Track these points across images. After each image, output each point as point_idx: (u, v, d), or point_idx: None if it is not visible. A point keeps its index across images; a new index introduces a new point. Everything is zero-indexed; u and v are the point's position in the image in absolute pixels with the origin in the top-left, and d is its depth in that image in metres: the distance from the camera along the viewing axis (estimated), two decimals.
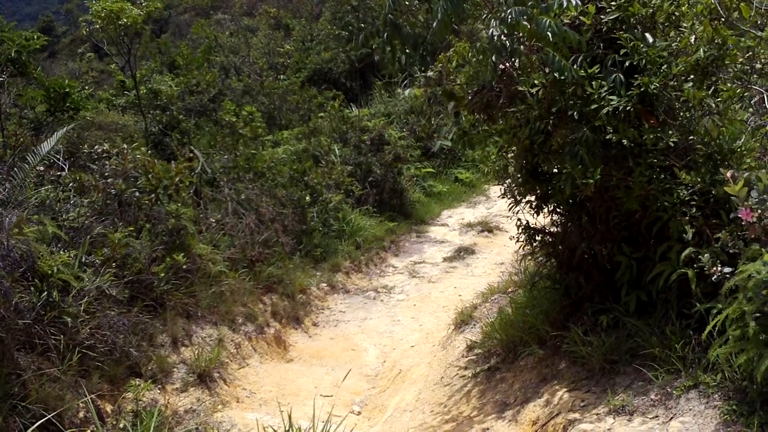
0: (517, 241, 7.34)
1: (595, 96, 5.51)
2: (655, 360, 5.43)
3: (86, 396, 6.06)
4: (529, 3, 5.20)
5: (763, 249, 4.45)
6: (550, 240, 7.14)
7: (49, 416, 5.63)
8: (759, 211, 4.46)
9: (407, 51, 5.97)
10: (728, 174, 4.78)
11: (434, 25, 5.52)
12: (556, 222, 7.12)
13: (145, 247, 8.08)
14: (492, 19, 5.33)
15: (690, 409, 4.87)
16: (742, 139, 5.78)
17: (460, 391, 7.37)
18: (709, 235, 5.34)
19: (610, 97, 5.49)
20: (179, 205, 9.08)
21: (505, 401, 6.66)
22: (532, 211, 7.10)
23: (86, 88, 17.87)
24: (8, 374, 5.79)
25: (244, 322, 9.28)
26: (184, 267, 8.42)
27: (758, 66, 5.79)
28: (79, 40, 41.32)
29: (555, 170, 6.56)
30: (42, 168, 8.47)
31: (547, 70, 5.78)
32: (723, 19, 5.63)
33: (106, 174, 8.75)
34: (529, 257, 7.45)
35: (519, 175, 6.98)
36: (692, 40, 5.55)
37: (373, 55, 21.88)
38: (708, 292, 5.18)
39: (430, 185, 17.97)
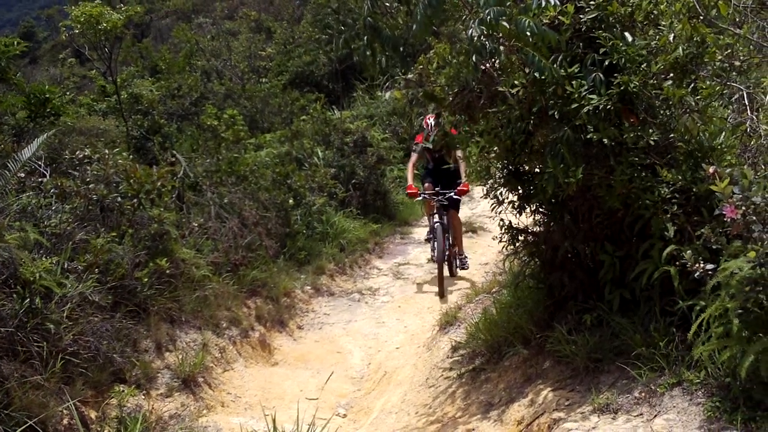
0: (501, 241, 7.34)
1: (576, 95, 5.52)
2: (639, 358, 5.44)
3: (70, 403, 6.04)
4: (508, 3, 5.20)
5: (746, 246, 4.47)
6: (533, 240, 7.15)
7: (32, 423, 5.61)
8: (743, 207, 4.48)
9: (387, 53, 5.97)
10: (711, 170, 4.80)
11: (414, 26, 5.52)
12: (539, 222, 7.13)
13: (128, 253, 8.04)
14: (471, 19, 5.33)
15: (674, 407, 4.88)
16: (722, 137, 5.80)
17: (445, 392, 7.37)
18: (691, 232, 5.37)
19: (590, 96, 5.50)
20: (162, 209, 9.05)
21: (490, 401, 6.67)
22: (515, 211, 7.11)
23: (67, 93, 17.79)
24: None
25: (228, 326, 9.26)
26: (168, 272, 8.39)
27: (737, 63, 5.80)
28: (61, 45, 41.18)
29: (537, 170, 6.58)
30: (23, 174, 8.44)
31: (527, 70, 5.79)
32: (701, 17, 5.66)
33: (88, 179, 8.71)
34: (513, 257, 7.46)
35: (501, 176, 7.00)
36: (671, 39, 5.57)
37: (354, 57, 21.85)
38: (690, 289, 5.20)
39: None
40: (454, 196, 11.59)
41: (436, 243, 11.46)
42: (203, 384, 7.89)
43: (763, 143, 5.75)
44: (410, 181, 12.06)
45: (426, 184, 12.25)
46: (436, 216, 11.72)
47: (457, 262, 12.27)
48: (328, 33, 23.94)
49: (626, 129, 5.55)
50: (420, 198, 12.16)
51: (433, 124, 10.95)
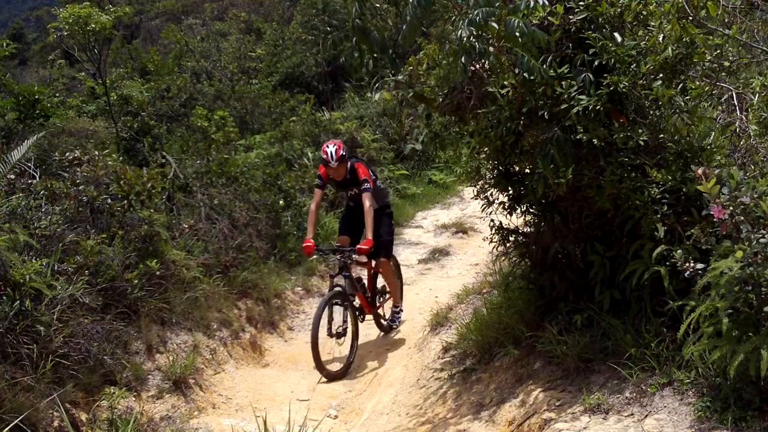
0: (491, 242, 7.34)
1: (565, 96, 5.53)
2: (630, 358, 5.46)
3: (60, 405, 6.03)
4: (497, 4, 5.20)
5: (735, 246, 4.49)
6: (524, 240, 7.15)
7: (22, 425, 5.60)
8: (731, 208, 4.50)
9: (376, 55, 5.97)
10: (699, 171, 4.81)
11: (404, 28, 5.53)
12: (530, 222, 7.13)
13: (118, 254, 8.02)
14: (460, 20, 5.34)
15: (665, 407, 4.89)
16: (712, 137, 5.82)
17: (436, 392, 7.37)
18: (681, 232, 5.38)
19: (580, 96, 5.50)
20: (152, 211, 9.03)
21: (481, 402, 6.67)
22: (505, 212, 7.11)
23: (56, 95, 17.76)
24: None
25: (219, 327, 9.25)
26: (158, 273, 8.36)
27: (726, 64, 5.84)
28: (50, 47, 41.03)
29: (527, 170, 6.59)
30: (13, 176, 8.41)
31: (516, 71, 5.79)
32: (691, 18, 5.68)
33: (78, 181, 8.68)
34: (503, 258, 7.47)
35: (491, 176, 7.00)
36: (660, 39, 5.58)
37: (341, 58, 21.82)
38: (681, 289, 5.22)
39: (404, 187, 17.89)
40: (355, 256, 9.43)
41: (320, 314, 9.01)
42: (194, 386, 7.87)
43: (753, 143, 5.77)
44: (309, 233, 9.69)
45: (341, 236, 10.04)
46: (337, 278, 9.56)
47: (387, 320, 10.42)
48: (314, 34, 23.93)
49: (616, 129, 5.56)
50: (315, 257, 10.18)
51: (333, 152, 9.30)
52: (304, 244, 9.53)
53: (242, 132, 18.46)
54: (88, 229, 8.14)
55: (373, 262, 10.13)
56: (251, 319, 10.22)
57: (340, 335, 9.39)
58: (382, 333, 10.35)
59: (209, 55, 26.22)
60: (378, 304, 10.26)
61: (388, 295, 10.48)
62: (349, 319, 9.46)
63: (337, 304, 9.43)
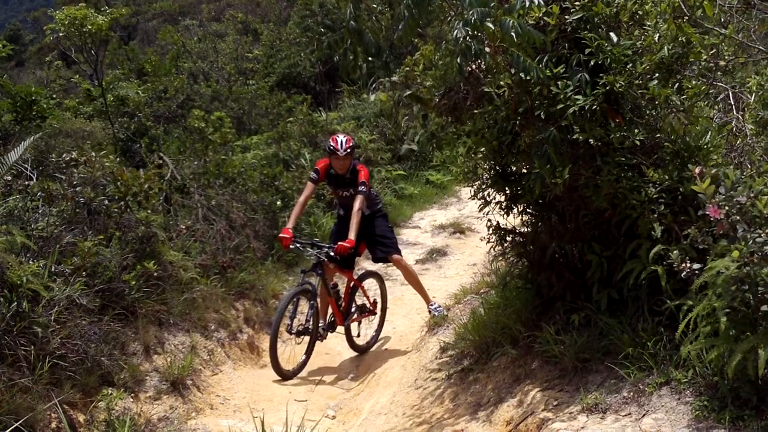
0: (488, 242, 7.34)
1: (561, 96, 5.52)
2: (627, 357, 5.46)
3: (58, 406, 6.03)
4: (492, 4, 5.20)
5: (731, 245, 4.49)
6: (521, 240, 7.15)
7: (20, 426, 5.59)
8: (726, 207, 4.50)
9: (370, 59, 5.97)
10: (696, 170, 4.82)
11: (399, 28, 5.53)
12: (527, 222, 7.13)
13: (116, 256, 8.01)
14: (456, 20, 5.34)
15: (662, 406, 4.89)
16: (708, 136, 5.82)
17: (434, 393, 7.37)
18: (678, 232, 5.38)
19: (576, 96, 5.50)
20: (149, 212, 9.01)
21: (479, 402, 6.67)
22: (503, 212, 7.11)
23: (53, 96, 17.72)
24: None
25: (216, 328, 9.25)
26: (155, 274, 8.36)
27: (722, 63, 5.84)
28: (47, 48, 41.00)
29: (524, 170, 6.59)
30: (9, 177, 8.41)
31: (513, 71, 5.79)
32: (687, 17, 5.67)
33: (75, 182, 8.66)
34: (501, 258, 7.46)
35: (488, 176, 7.00)
36: (656, 39, 5.58)
37: (334, 58, 21.79)
38: (678, 288, 5.22)
39: (401, 188, 17.83)
40: (331, 253, 9.01)
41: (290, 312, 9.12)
42: (192, 386, 7.87)
43: (749, 142, 5.78)
44: (290, 222, 9.37)
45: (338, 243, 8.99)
46: (308, 274, 9.32)
47: (366, 342, 10.18)
48: (308, 36, 23.89)
49: (612, 129, 5.56)
50: (292, 247, 9.35)
51: (344, 140, 9.16)
52: (281, 234, 9.25)
53: (239, 133, 18.43)
54: (85, 230, 8.13)
55: (355, 275, 10.05)
56: (249, 320, 10.22)
57: (300, 333, 9.11)
58: (354, 350, 10.03)
59: (206, 56, 26.19)
60: (353, 319, 9.92)
61: (370, 315, 10.28)
62: (311, 319, 9.13)
63: (305, 299, 9.32)
